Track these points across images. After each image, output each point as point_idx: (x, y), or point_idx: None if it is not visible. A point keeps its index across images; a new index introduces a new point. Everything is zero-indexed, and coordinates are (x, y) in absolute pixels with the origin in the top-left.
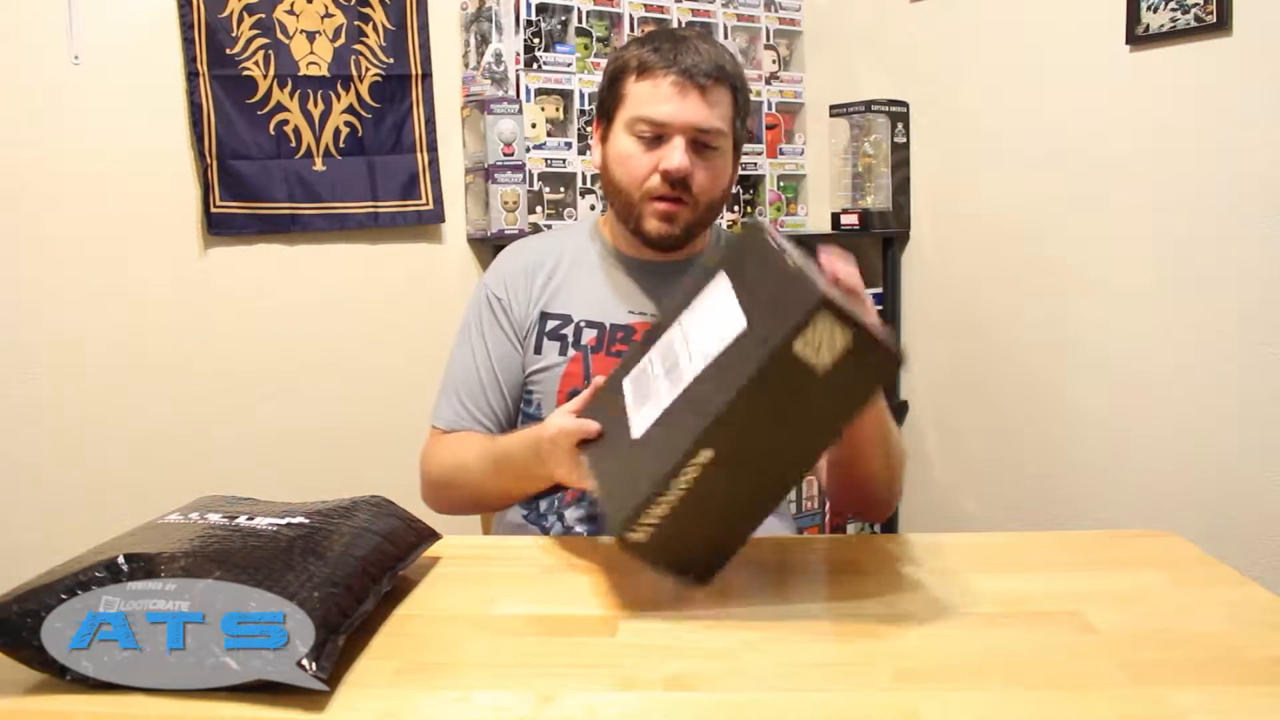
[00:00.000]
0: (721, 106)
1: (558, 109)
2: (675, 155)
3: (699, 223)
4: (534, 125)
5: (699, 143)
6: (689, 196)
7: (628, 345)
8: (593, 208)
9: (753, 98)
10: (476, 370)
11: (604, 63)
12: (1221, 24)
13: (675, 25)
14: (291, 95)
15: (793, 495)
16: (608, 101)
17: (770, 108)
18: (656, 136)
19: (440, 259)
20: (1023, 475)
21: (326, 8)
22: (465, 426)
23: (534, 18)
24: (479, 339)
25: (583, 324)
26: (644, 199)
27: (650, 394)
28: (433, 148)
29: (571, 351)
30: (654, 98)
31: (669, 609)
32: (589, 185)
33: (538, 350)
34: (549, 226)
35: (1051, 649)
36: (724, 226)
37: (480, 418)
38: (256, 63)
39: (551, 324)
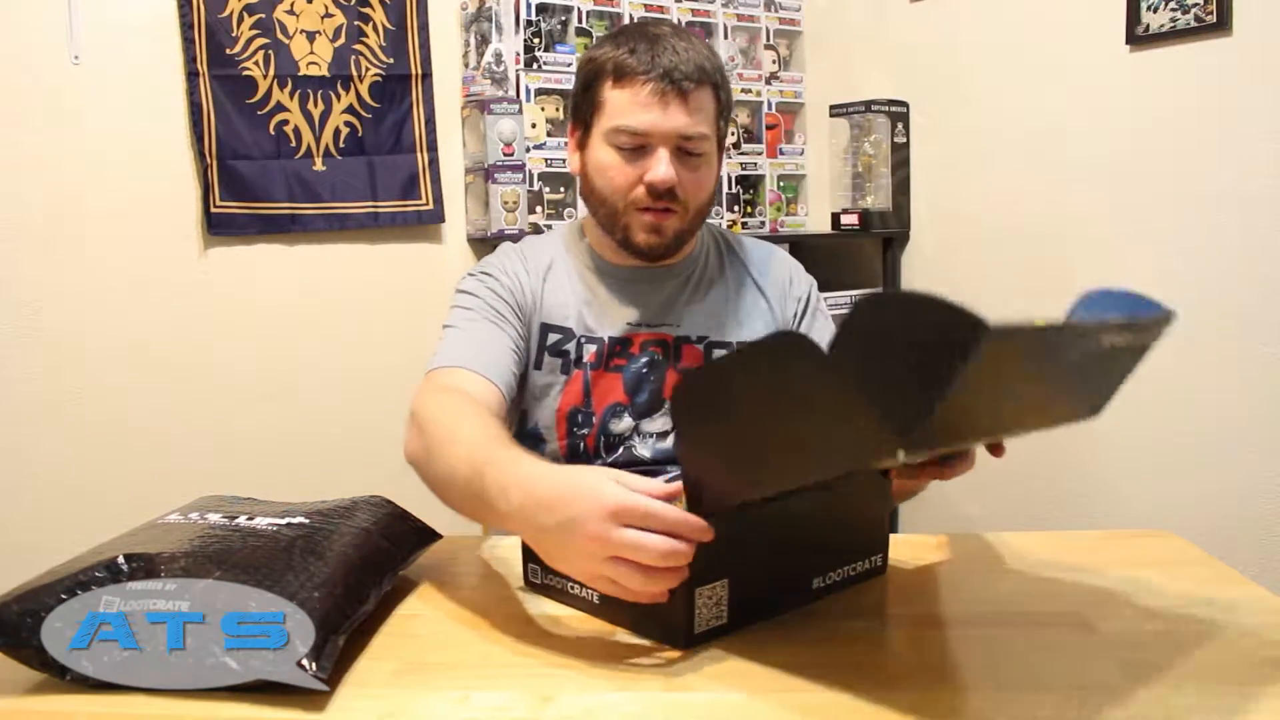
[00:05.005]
0: (705, 110)
1: (558, 109)
2: (660, 168)
3: (688, 230)
4: (534, 125)
5: (683, 150)
6: (677, 205)
7: (625, 360)
8: None
9: (752, 98)
10: (483, 336)
11: None
12: (1221, 24)
13: (680, 25)
14: (291, 95)
15: None
16: (583, 107)
17: (770, 108)
18: (638, 146)
19: (440, 259)
20: (1023, 476)
21: (326, 8)
22: (471, 368)
23: (534, 18)
24: (484, 317)
25: (583, 339)
26: (629, 210)
27: None
28: (433, 148)
29: (573, 370)
30: (634, 106)
31: None
32: None
33: (538, 365)
34: (549, 227)
35: (1051, 649)
36: (722, 225)
37: (490, 367)
38: (256, 63)
39: (553, 338)
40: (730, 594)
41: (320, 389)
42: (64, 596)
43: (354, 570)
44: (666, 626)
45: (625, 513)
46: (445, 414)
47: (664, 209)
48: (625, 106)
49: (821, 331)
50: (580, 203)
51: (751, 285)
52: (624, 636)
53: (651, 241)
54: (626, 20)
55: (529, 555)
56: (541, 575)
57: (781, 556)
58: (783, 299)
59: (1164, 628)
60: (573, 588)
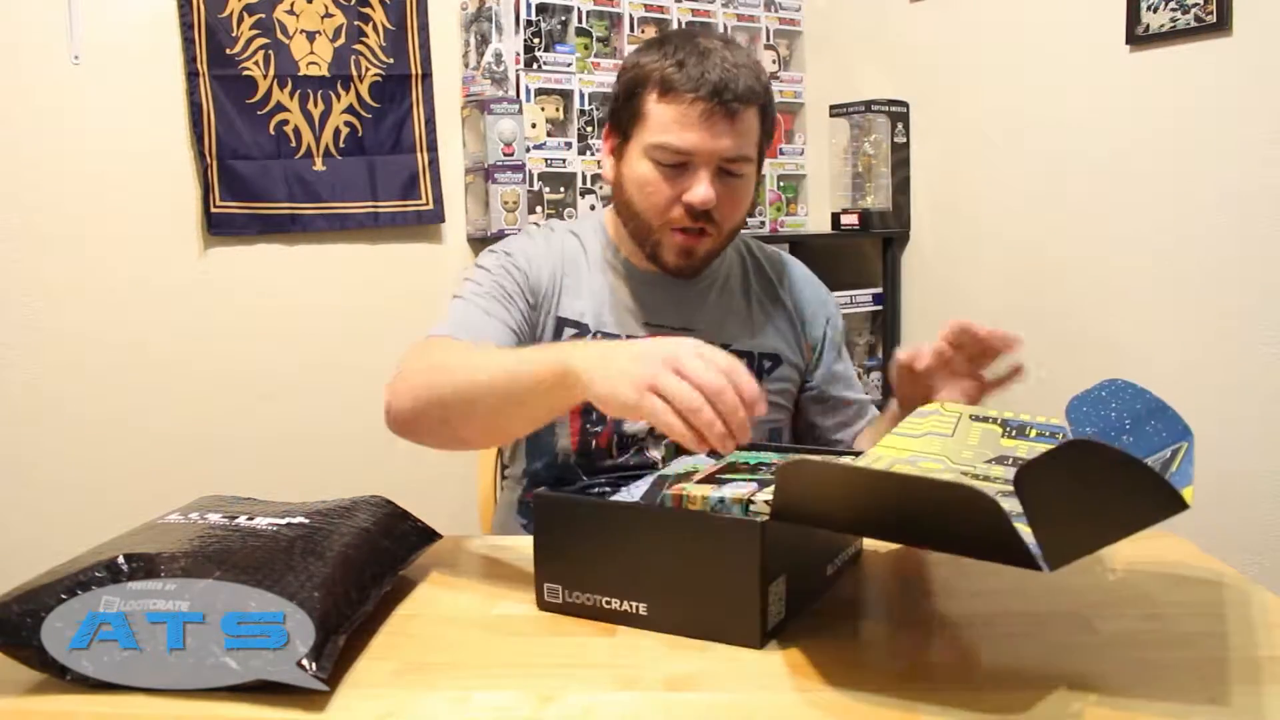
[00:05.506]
0: (749, 132)
1: (558, 109)
2: (700, 189)
3: (719, 249)
4: (534, 125)
5: (724, 170)
6: (712, 226)
7: None
8: (592, 207)
9: None
10: (484, 312)
11: (604, 63)
12: (1221, 24)
13: (681, 25)
14: (291, 95)
15: None
16: (624, 116)
17: None
18: (679, 164)
19: (440, 259)
20: None
21: (326, 8)
22: (464, 340)
23: (534, 18)
24: (491, 294)
25: (599, 335)
26: (664, 228)
27: None
28: (433, 148)
29: None
30: (679, 124)
31: None
32: (589, 185)
33: None
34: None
35: (1051, 649)
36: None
37: (499, 331)
38: (256, 63)
39: (568, 332)
40: (786, 588)
41: (320, 389)
42: (64, 596)
43: (354, 570)
44: (741, 627)
45: (702, 353)
46: (448, 349)
47: (699, 230)
48: (669, 123)
49: (841, 360)
50: (580, 204)
51: (775, 298)
52: (625, 635)
53: (681, 263)
54: (626, 20)
55: (546, 575)
56: (564, 594)
57: (809, 545)
58: (807, 316)
59: (1164, 628)
60: (609, 603)
